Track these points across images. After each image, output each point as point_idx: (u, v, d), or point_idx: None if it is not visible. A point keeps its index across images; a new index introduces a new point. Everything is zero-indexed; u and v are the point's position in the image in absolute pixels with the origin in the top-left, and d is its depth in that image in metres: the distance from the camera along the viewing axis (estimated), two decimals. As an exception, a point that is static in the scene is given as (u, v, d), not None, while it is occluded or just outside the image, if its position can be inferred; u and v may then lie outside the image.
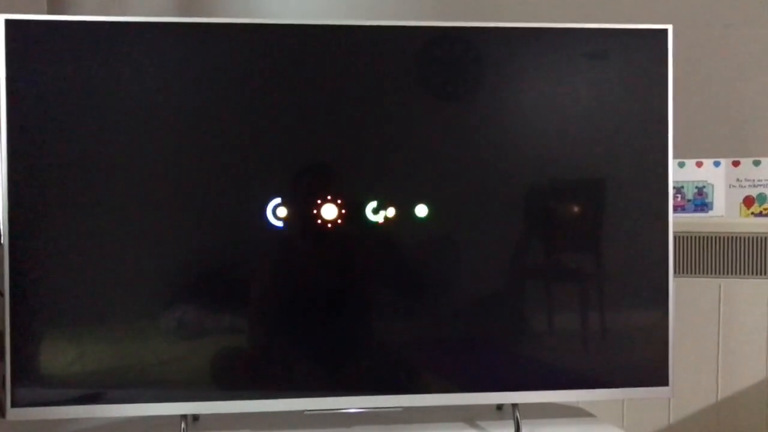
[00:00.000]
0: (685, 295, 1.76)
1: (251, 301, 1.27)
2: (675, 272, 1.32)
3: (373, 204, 1.26)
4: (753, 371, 1.78)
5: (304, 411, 1.26)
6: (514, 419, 1.29)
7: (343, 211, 1.26)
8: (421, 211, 1.27)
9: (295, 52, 1.25)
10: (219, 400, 1.24)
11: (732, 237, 1.80)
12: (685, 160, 1.87)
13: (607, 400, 1.54)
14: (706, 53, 1.85)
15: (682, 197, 1.88)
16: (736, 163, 1.85)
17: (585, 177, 1.33)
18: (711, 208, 1.87)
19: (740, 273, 1.79)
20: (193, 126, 1.25)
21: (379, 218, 1.26)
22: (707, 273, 1.81)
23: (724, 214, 1.86)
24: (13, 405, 1.19)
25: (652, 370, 1.32)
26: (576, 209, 1.34)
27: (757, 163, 1.84)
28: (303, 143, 1.27)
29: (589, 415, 1.43)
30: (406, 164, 1.29)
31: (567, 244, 1.35)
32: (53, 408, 1.21)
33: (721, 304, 1.79)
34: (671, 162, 1.31)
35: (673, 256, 1.31)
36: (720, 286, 1.80)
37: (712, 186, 1.87)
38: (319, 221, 1.26)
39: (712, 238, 1.81)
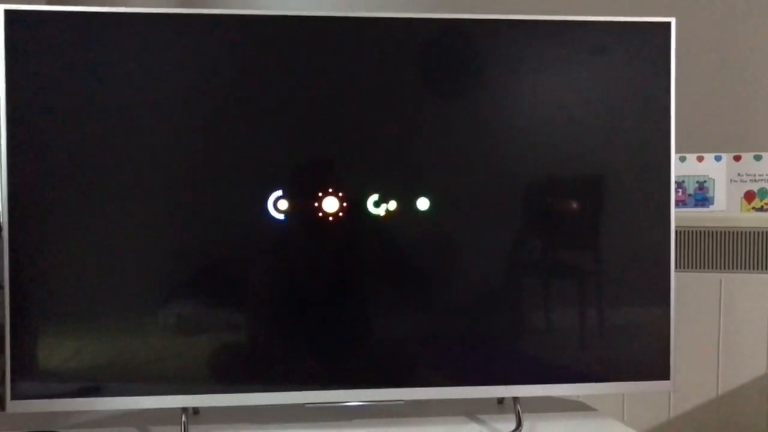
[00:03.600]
0: (686, 290, 1.76)
1: (252, 295, 1.27)
2: (676, 267, 1.32)
3: (374, 197, 1.26)
4: (753, 366, 1.78)
5: (304, 404, 1.26)
6: (515, 413, 1.29)
7: (345, 204, 1.26)
8: (422, 204, 1.27)
9: (297, 44, 1.24)
10: (219, 393, 1.24)
11: (733, 232, 1.80)
12: (686, 155, 1.86)
13: (608, 394, 1.54)
14: (708, 47, 1.85)
15: (683, 192, 1.87)
16: (737, 158, 1.85)
17: (586, 172, 1.33)
18: (712, 203, 1.87)
19: (741, 268, 1.79)
20: (194, 118, 1.24)
21: (380, 212, 1.26)
22: (708, 268, 1.81)
23: (725, 208, 1.86)
24: (14, 397, 1.19)
25: (653, 365, 1.32)
26: (577, 204, 1.34)
27: (758, 158, 1.84)
28: (305, 136, 1.26)
29: (590, 408, 1.43)
30: (408, 157, 1.28)
31: (569, 239, 1.35)
32: (54, 401, 1.21)
33: (722, 299, 1.79)
34: (674, 156, 1.31)
35: (675, 251, 1.31)
36: (721, 281, 1.80)
37: (713, 181, 1.87)
38: (320, 214, 1.25)
39: (713, 232, 1.81)
